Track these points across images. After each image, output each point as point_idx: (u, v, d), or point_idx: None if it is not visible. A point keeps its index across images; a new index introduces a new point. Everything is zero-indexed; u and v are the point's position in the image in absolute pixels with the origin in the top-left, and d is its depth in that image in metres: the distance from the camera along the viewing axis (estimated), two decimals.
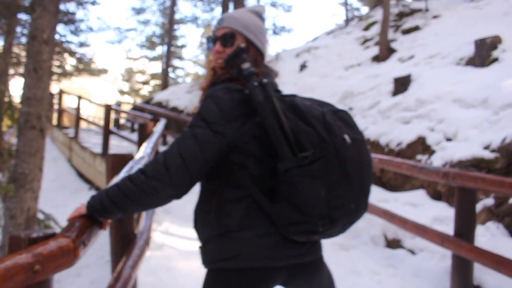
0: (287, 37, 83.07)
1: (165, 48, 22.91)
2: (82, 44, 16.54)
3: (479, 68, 6.61)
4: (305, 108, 1.36)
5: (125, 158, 3.04)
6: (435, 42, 9.18)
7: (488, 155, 4.42)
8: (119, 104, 17.74)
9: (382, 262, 4.11)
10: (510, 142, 4.28)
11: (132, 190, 1.33)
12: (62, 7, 13.77)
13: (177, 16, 22.62)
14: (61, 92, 13.76)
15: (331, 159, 1.29)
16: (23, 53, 13.43)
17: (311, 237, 1.36)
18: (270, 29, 17.65)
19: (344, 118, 1.41)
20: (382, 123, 6.65)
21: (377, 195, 5.27)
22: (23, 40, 13.12)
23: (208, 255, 1.42)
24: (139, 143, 6.48)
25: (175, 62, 26.65)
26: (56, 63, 17.16)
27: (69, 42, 16.41)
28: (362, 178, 1.35)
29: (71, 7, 14.82)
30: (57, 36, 14.71)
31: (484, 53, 6.69)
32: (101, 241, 2.82)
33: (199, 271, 1.45)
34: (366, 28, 14.08)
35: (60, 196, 8.73)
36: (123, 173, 2.49)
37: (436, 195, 4.94)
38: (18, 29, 12.26)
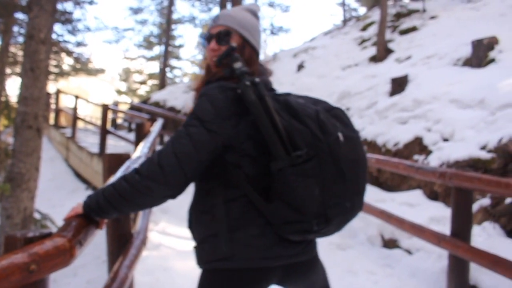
0: (284, 37, 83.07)
1: (162, 48, 22.93)
2: (79, 44, 16.51)
3: (476, 69, 6.63)
4: (298, 106, 1.35)
5: (122, 158, 3.04)
6: (432, 42, 9.20)
7: (484, 155, 4.43)
8: (116, 104, 17.72)
9: (379, 262, 4.11)
10: (507, 142, 4.30)
11: (127, 190, 1.32)
12: (59, 6, 13.75)
13: (174, 16, 22.61)
14: (58, 92, 13.73)
15: (325, 158, 1.28)
16: (20, 53, 13.40)
17: (306, 236, 1.35)
18: (268, 29, 17.66)
19: (338, 116, 1.40)
20: (379, 123, 6.67)
21: (374, 195, 5.28)
22: (20, 39, 13.11)
23: (202, 256, 1.41)
24: (136, 143, 6.48)
25: (173, 62, 26.67)
26: (53, 62, 17.15)
27: (66, 42, 16.40)
28: (357, 176, 1.34)
29: (68, 6, 14.82)
30: (54, 36, 14.68)
31: (481, 54, 6.71)
32: (98, 241, 2.82)
33: (196, 271, 1.45)
34: (364, 28, 14.10)
35: (57, 196, 8.70)
36: (120, 173, 2.49)
37: (432, 195, 4.95)
38: (15, 29, 12.26)
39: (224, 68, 1.43)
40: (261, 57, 1.58)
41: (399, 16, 12.99)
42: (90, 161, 9.04)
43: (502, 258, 2.79)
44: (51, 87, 16.78)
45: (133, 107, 15.78)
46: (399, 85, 7.32)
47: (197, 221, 1.44)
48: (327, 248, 4.28)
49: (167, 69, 23.64)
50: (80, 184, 9.60)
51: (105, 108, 9.50)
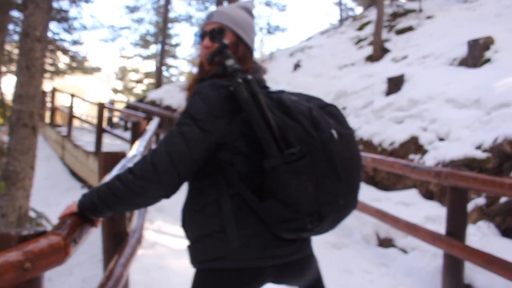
0: (281, 36, 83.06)
1: (159, 46, 22.89)
2: (75, 42, 16.49)
3: (471, 69, 6.65)
4: (291, 103, 1.34)
5: (118, 156, 3.02)
6: (429, 42, 9.22)
7: (480, 155, 4.45)
8: (112, 102, 17.65)
9: (374, 261, 4.13)
10: (502, 142, 4.32)
11: (121, 189, 1.31)
12: (55, 4, 13.71)
13: (171, 15, 22.59)
14: (54, 90, 13.66)
15: (318, 155, 1.27)
16: (16, 51, 13.36)
17: (300, 234, 1.34)
18: (264, 28, 17.65)
19: (332, 113, 1.39)
20: (375, 122, 6.68)
21: (370, 194, 5.29)
22: (16, 37, 13.05)
23: (196, 255, 1.40)
24: (132, 142, 6.47)
25: (169, 60, 26.61)
26: (49, 61, 17.07)
27: (62, 40, 16.37)
28: (351, 174, 1.33)
29: (64, 4, 14.78)
30: (50, 34, 14.64)
31: (476, 54, 6.73)
32: (93, 240, 2.81)
33: (191, 270, 1.45)
34: (360, 28, 14.13)
35: (53, 195, 8.67)
36: (115, 171, 2.48)
37: (428, 195, 4.96)
38: (11, 27, 12.20)
39: (216, 66, 1.42)
40: (258, 56, 1.58)
41: (395, 15, 13.03)
42: (86, 160, 9.01)
43: (496, 257, 2.80)
44: (47, 86, 16.75)
45: (129, 106, 15.75)
46: (395, 84, 7.34)
47: (190, 220, 1.43)
48: (323, 247, 4.29)
49: (164, 68, 23.62)
50: (75, 183, 9.57)
51: (101, 106, 9.47)
